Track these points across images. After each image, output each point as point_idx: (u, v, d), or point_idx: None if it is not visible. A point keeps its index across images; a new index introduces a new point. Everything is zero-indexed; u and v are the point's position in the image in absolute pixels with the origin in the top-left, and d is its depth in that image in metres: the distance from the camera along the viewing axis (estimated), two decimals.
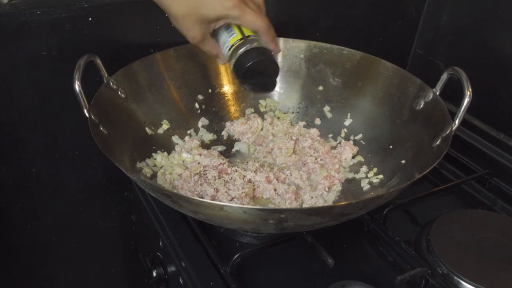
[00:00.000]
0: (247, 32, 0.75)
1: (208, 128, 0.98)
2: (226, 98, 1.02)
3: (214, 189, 0.80)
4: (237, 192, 0.79)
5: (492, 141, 1.04)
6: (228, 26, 0.76)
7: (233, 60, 0.76)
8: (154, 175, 0.84)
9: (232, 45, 0.75)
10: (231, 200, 0.79)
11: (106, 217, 1.11)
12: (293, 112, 1.03)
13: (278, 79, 1.01)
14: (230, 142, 0.97)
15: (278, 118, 1.01)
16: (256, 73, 0.76)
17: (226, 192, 0.80)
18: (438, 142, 0.79)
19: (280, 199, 0.82)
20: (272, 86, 0.83)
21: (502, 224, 0.86)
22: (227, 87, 1.02)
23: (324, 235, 0.77)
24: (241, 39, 0.75)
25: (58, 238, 1.06)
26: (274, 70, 0.78)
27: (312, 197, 0.82)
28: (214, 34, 0.78)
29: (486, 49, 1.07)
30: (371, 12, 1.18)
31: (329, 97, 1.01)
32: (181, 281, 0.77)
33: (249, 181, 0.84)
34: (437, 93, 0.85)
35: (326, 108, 1.01)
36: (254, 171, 0.84)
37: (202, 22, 0.73)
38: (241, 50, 0.74)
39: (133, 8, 0.91)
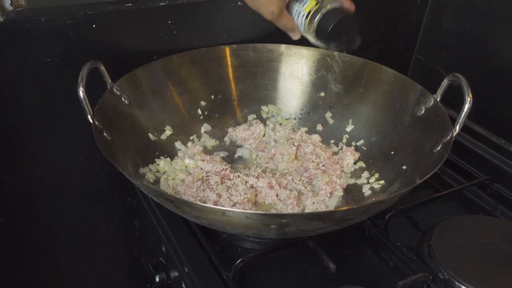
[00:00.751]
0: None
1: (211, 134, 0.99)
2: (229, 104, 1.02)
3: (217, 194, 0.80)
4: (240, 197, 0.80)
5: (493, 147, 1.05)
6: None
7: (314, 27, 0.78)
8: (157, 181, 0.85)
9: (309, 12, 0.78)
10: (233, 205, 0.79)
11: (109, 222, 1.11)
12: (295, 118, 1.04)
13: (280, 85, 1.03)
14: (232, 148, 0.98)
15: (280, 124, 1.02)
16: (339, 32, 0.78)
17: (228, 197, 0.80)
18: (439, 148, 0.79)
19: (282, 204, 0.82)
20: (356, 41, 0.83)
21: (503, 230, 0.86)
22: (230, 93, 1.02)
23: (325, 240, 0.78)
24: (316, 4, 0.78)
25: (61, 243, 1.07)
26: (355, 26, 0.80)
27: (314, 203, 0.83)
28: (287, 8, 0.80)
29: (487, 56, 1.07)
30: (373, 18, 1.19)
31: (330, 103, 1.02)
32: (184, 286, 0.77)
33: (251, 186, 0.84)
34: (438, 99, 0.85)
35: (328, 114, 1.02)
36: (256, 177, 0.85)
37: None
38: (319, 14, 0.77)
39: (136, 15, 0.92)
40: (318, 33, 0.79)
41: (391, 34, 1.23)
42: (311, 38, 0.82)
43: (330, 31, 0.77)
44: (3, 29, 0.81)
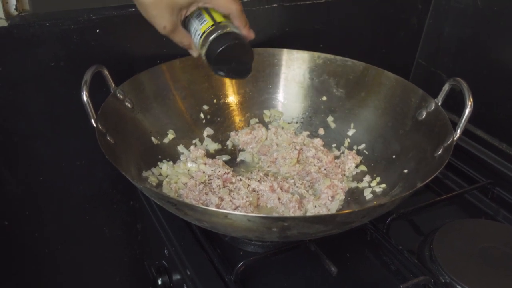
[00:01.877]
0: (218, 19, 0.73)
1: (213, 138, 0.99)
2: (231, 108, 1.03)
3: (219, 198, 0.80)
4: (242, 201, 0.80)
5: (494, 151, 1.05)
6: (198, 14, 0.74)
7: (206, 47, 0.73)
8: (159, 184, 0.85)
9: (204, 32, 0.73)
10: (235, 208, 0.80)
11: (111, 225, 1.12)
12: (297, 122, 1.04)
13: (282, 89, 1.03)
14: (234, 152, 0.98)
15: (282, 128, 1.02)
16: (229, 58, 0.73)
17: (230, 201, 0.80)
18: (440, 152, 0.80)
19: (284, 208, 0.82)
20: (247, 72, 0.79)
21: (504, 234, 0.86)
22: (232, 98, 1.03)
23: (327, 244, 0.78)
24: (212, 25, 0.73)
25: (64, 246, 1.07)
26: (247, 55, 0.75)
27: (315, 206, 0.83)
28: (184, 24, 0.76)
29: (488, 60, 1.08)
30: (374, 23, 1.20)
31: (332, 107, 1.02)
32: None
33: (253, 190, 0.84)
34: (439, 104, 0.86)
35: (330, 118, 1.02)
36: (258, 180, 0.85)
37: (173, 8, 0.70)
38: (213, 35, 0.72)
39: (139, 20, 0.92)
40: (207, 55, 0.73)
41: (393, 38, 1.24)
42: (204, 60, 0.76)
43: (218, 54, 0.71)
44: (8, 33, 0.82)
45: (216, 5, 0.72)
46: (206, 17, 0.74)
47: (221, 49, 0.71)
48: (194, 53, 0.79)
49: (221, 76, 0.78)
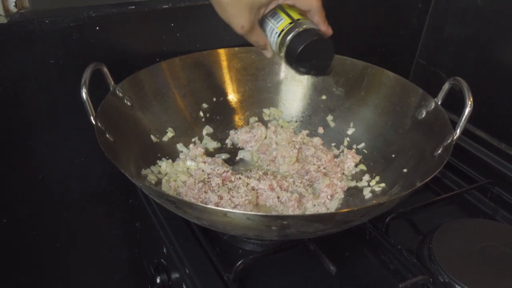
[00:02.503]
0: (296, 16, 0.72)
1: (213, 136, 0.99)
2: (231, 106, 1.03)
3: (218, 196, 0.80)
4: (241, 199, 0.80)
5: (494, 150, 1.05)
6: (274, 13, 0.73)
7: (285, 46, 0.72)
8: (158, 182, 0.85)
9: (282, 30, 0.71)
10: (234, 207, 0.80)
11: (110, 224, 1.11)
12: (296, 121, 1.04)
13: (282, 88, 1.02)
14: (234, 150, 0.98)
15: (282, 126, 1.02)
16: (311, 55, 0.72)
17: (229, 199, 0.80)
18: (439, 151, 0.80)
19: (283, 206, 0.82)
20: (329, 68, 0.76)
21: (503, 233, 0.86)
22: (232, 96, 1.03)
23: (326, 243, 0.78)
24: (291, 22, 0.71)
25: (63, 244, 1.07)
26: (329, 51, 0.74)
27: (314, 205, 0.83)
28: (260, 24, 0.75)
29: (488, 59, 1.08)
30: (374, 22, 1.20)
31: (332, 106, 1.02)
32: None
33: (253, 188, 0.84)
34: (439, 103, 0.86)
35: (329, 117, 1.02)
36: (258, 179, 0.85)
37: (252, 7, 0.69)
38: (293, 33, 0.71)
39: (139, 17, 0.93)
40: (288, 53, 0.72)
41: (393, 37, 1.24)
42: (283, 59, 0.75)
43: (300, 52, 0.70)
44: (7, 30, 0.82)
45: (297, 2, 0.71)
46: (283, 15, 0.72)
47: (303, 46, 0.70)
48: (269, 53, 0.78)
49: (302, 74, 0.77)
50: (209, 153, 0.96)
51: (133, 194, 1.07)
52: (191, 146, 0.94)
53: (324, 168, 0.93)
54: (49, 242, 1.05)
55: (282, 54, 0.73)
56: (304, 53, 0.71)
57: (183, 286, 0.78)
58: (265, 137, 1.00)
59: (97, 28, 0.89)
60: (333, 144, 1.00)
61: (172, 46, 0.97)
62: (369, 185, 0.89)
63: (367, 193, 0.87)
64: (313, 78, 1.03)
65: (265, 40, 0.75)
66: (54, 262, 1.09)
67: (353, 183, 0.90)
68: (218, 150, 0.98)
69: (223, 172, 0.86)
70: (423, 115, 0.88)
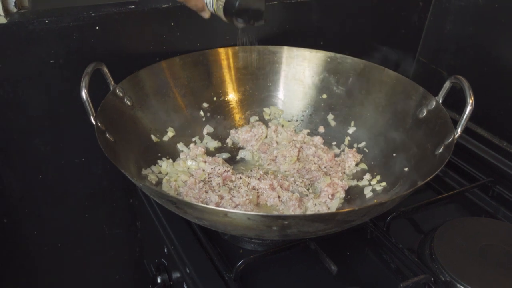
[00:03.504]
0: None
1: (213, 136, 0.99)
2: (231, 106, 1.03)
3: (219, 196, 0.80)
4: (241, 199, 0.80)
5: (495, 149, 1.05)
6: None
7: (222, 2, 0.79)
8: (159, 182, 0.85)
9: None
10: (235, 207, 0.80)
11: (111, 223, 1.11)
12: (297, 120, 1.04)
13: (283, 87, 1.02)
14: (234, 150, 0.98)
15: (282, 126, 1.02)
16: (247, 4, 0.79)
17: (230, 199, 0.80)
18: (440, 150, 0.79)
19: (284, 206, 0.82)
20: (263, 15, 0.84)
21: (505, 232, 0.86)
22: (232, 95, 1.03)
23: (327, 242, 0.78)
24: None
25: (64, 244, 1.07)
26: (260, 2, 0.82)
27: (315, 204, 0.83)
28: None
29: (489, 58, 1.08)
30: (375, 21, 1.19)
31: (332, 105, 1.02)
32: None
33: (253, 188, 0.84)
34: (440, 101, 0.86)
35: (330, 116, 1.02)
36: (258, 179, 0.85)
37: None
38: None
39: (139, 17, 0.93)
40: (226, 7, 0.80)
41: (394, 36, 1.23)
42: (221, 15, 0.82)
43: (238, 5, 0.78)
44: (7, 30, 0.82)
45: None
46: None
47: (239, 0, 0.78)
48: (206, 14, 0.85)
49: (240, 26, 0.83)
50: (209, 153, 0.96)
51: (133, 194, 1.07)
52: (191, 145, 0.94)
53: (325, 167, 0.92)
54: (49, 242, 1.05)
55: (221, 10, 0.81)
56: (242, 3, 0.78)
57: (184, 286, 0.78)
58: (266, 136, 0.99)
59: (97, 28, 0.89)
60: (334, 143, 1.00)
61: (172, 46, 0.97)
62: (370, 184, 0.89)
63: (368, 192, 0.87)
64: (313, 77, 1.02)
65: (202, 2, 0.83)
66: (55, 262, 1.08)
67: (354, 182, 0.90)
68: (218, 150, 0.97)
69: (224, 171, 0.85)
70: (424, 114, 0.88)
